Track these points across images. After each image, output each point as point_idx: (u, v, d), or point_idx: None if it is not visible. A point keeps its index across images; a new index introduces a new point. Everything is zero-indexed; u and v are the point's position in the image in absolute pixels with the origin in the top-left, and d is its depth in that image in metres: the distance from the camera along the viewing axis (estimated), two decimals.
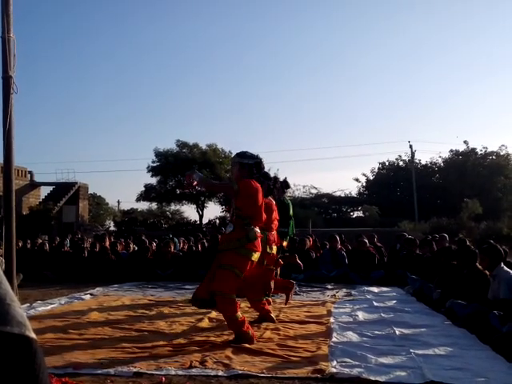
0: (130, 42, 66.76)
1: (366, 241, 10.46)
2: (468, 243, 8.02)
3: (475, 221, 27.39)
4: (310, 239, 11.04)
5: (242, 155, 4.76)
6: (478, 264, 5.72)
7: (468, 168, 35.75)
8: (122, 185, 73.97)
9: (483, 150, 37.88)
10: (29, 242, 12.42)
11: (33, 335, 1.02)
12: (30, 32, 57.22)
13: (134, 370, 3.59)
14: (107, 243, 11.84)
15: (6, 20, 5.62)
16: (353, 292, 8.11)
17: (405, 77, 64.28)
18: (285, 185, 6.86)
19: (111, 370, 3.58)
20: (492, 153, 37.75)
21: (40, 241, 12.88)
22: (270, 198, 5.72)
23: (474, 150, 38.04)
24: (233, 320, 4.40)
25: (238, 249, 4.48)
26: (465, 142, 38.39)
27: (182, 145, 32.85)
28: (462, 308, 5.38)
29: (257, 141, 59.90)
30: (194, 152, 32.27)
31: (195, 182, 4.55)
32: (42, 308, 6.52)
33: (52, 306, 6.76)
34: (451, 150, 38.82)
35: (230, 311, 4.37)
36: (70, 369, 3.61)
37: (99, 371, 3.58)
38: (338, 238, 10.64)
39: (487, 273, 5.48)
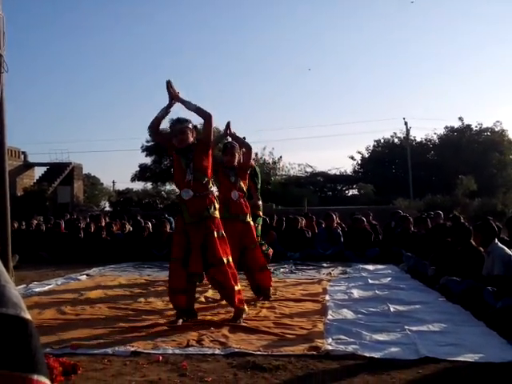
0: (124, 19, 65.86)
1: (364, 219, 10.49)
2: (462, 220, 8.05)
3: (470, 197, 27.50)
4: (303, 218, 11.04)
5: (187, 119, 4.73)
6: (472, 241, 5.75)
7: (463, 144, 35.74)
8: (117, 165, 73.82)
9: (478, 127, 37.87)
10: (24, 223, 12.39)
11: (28, 316, 1.02)
12: (20, 8, 56.35)
13: (132, 349, 3.61)
14: (103, 223, 11.84)
15: None
16: (348, 270, 8.16)
17: (399, 53, 63.88)
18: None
19: (108, 350, 3.60)
20: (487, 129, 37.74)
21: (35, 222, 12.85)
22: None
23: (468, 126, 38.00)
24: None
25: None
26: (460, 118, 38.36)
27: None
28: (456, 284, 5.43)
29: (251, 119, 59.67)
30: None
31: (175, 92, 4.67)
32: (38, 289, 6.53)
33: (49, 286, 6.78)
34: (446, 127, 38.81)
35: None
36: (67, 349, 3.63)
37: (96, 351, 3.60)
38: (335, 217, 10.67)
39: (481, 249, 5.52)
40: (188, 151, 4.57)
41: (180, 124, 4.60)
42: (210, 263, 4.48)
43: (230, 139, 6.06)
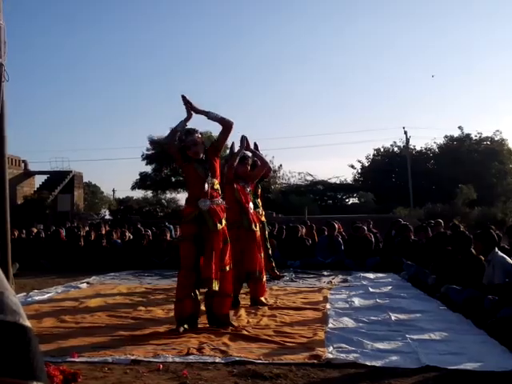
0: (124, 28, 66.23)
1: (365, 227, 10.48)
2: (462, 228, 8.05)
3: (470, 206, 27.53)
4: (304, 227, 11.04)
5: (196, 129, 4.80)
6: (472, 249, 5.74)
7: (462, 154, 35.78)
8: (117, 173, 73.69)
9: (478, 136, 37.95)
10: (24, 231, 12.39)
11: (27, 323, 1.02)
12: (22, 18, 56.64)
13: (132, 357, 3.59)
14: (103, 232, 11.84)
15: None
16: (349, 278, 8.14)
17: (399, 62, 64.09)
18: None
19: (108, 358, 3.59)
20: (486, 138, 37.81)
21: (35, 230, 12.84)
22: None
23: (468, 135, 38.07)
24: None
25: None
26: (459, 127, 38.44)
27: None
28: (457, 293, 5.42)
29: (252, 127, 59.70)
30: None
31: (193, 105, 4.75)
32: (38, 297, 6.52)
33: (49, 294, 6.76)
34: (446, 136, 38.87)
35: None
36: (67, 357, 3.61)
37: (97, 359, 3.58)
38: (337, 226, 10.66)
39: (482, 258, 5.51)
40: (204, 161, 4.65)
41: (191, 135, 4.63)
42: (220, 268, 4.59)
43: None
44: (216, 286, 4.51)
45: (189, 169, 4.66)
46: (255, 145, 6.35)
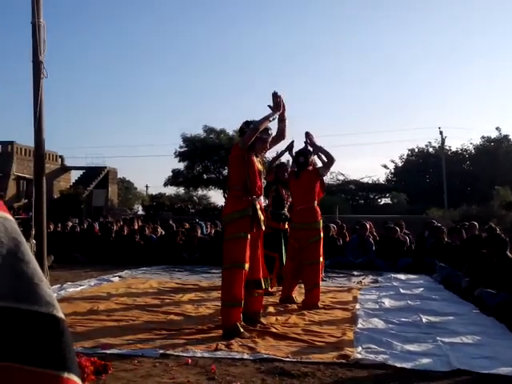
0: (159, 29, 66.89)
1: (398, 229, 10.34)
2: (498, 231, 7.86)
3: (506, 209, 26.81)
4: (335, 226, 10.96)
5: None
6: (508, 252, 5.61)
7: (500, 155, 34.96)
8: (151, 170, 74.74)
9: None
10: (59, 225, 12.67)
11: (61, 315, 1.04)
12: (61, 16, 57.84)
13: (161, 351, 3.64)
14: (136, 227, 12.01)
15: (35, 5, 5.67)
16: (379, 279, 8.05)
17: (436, 61, 62.93)
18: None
19: (138, 351, 3.65)
20: None
21: (70, 224, 13.12)
22: None
23: (506, 136, 37.19)
24: None
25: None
26: (497, 128, 37.58)
27: (209, 130, 32.91)
28: (491, 297, 5.30)
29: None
30: (221, 138, 32.30)
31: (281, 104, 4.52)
32: (72, 289, 6.66)
33: (82, 287, 6.91)
34: (483, 137, 38.08)
35: None
36: (98, 349, 3.69)
37: (127, 352, 3.65)
38: (368, 226, 10.54)
39: None
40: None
41: (267, 134, 4.55)
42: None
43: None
44: (266, 285, 4.62)
45: (251, 159, 4.43)
46: (307, 134, 6.03)
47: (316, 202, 5.73)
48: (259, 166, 4.50)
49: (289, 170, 6.13)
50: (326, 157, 5.82)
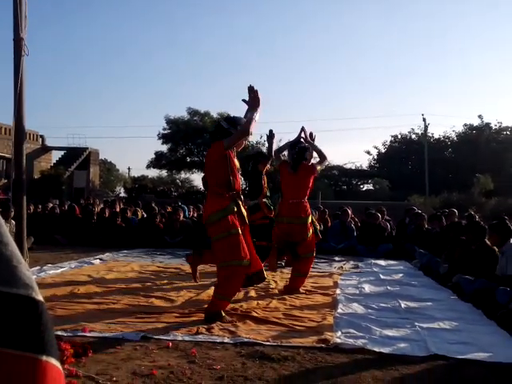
0: (144, 10, 65.90)
1: (379, 215, 10.42)
2: (477, 219, 7.97)
3: (486, 196, 27.22)
4: (317, 211, 11.00)
5: None
6: (487, 240, 5.69)
7: (481, 143, 35.36)
8: (133, 152, 74.24)
9: (498, 125, 37.42)
10: (40, 206, 12.53)
11: (39, 297, 1.02)
12: None
13: (142, 334, 3.64)
14: (117, 209, 11.93)
15: None
16: (360, 264, 8.13)
17: (420, 47, 63.14)
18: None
19: (119, 334, 3.64)
20: (506, 128, 37.30)
21: (51, 205, 12.98)
22: None
23: (488, 124, 37.58)
24: None
25: None
26: (479, 116, 37.95)
27: (194, 113, 32.70)
28: (469, 283, 5.38)
29: (266, 111, 59.41)
30: (205, 120, 32.12)
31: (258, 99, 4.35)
32: (52, 271, 6.62)
33: (62, 269, 6.86)
34: (465, 124, 38.43)
35: None
36: (78, 331, 3.68)
37: (107, 334, 3.64)
38: (350, 212, 10.60)
39: (496, 249, 5.46)
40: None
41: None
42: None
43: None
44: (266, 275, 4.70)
45: (232, 158, 4.37)
46: (311, 134, 6.10)
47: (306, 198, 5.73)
48: (237, 162, 4.42)
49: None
50: (320, 155, 5.94)
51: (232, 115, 4.65)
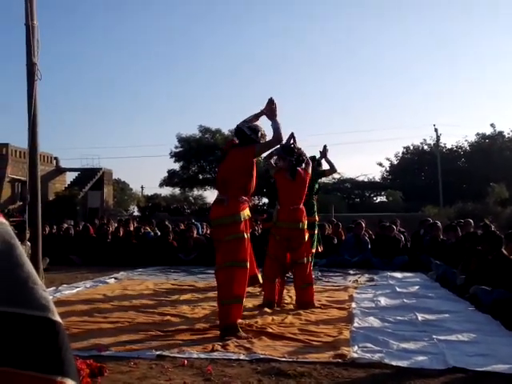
0: (153, 28, 66.84)
1: (394, 227, 10.36)
2: (493, 228, 7.89)
3: (502, 206, 26.89)
4: (330, 225, 10.98)
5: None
6: (503, 249, 5.63)
7: (495, 152, 35.04)
8: (146, 170, 74.63)
9: (510, 134, 37.09)
10: (55, 227, 12.63)
11: (56, 318, 1.03)
12: (54, 18, 57.65)
13: (157, 352, 3.64)
14: (131, 228, 11.99)
15: (29, 7, 5.65)
16: (375, 277, 8.06)
17: (430, 58, 63.09)
18: None
19: (134, 353, 3.64)
20: None
21: (65, 226, 13.08)
22: None
23: (501, 133, 37.27)
24: None
25: None
26: (491, 125, 37.68)
27: (205, 130, 32.91)
28: (486, 294, 5.32)
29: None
30: (217, 137, 32.30)
31: (274, 109, 4.58)
32: (67, 291, 6.65)
33: (77, 289, 6.89)
34: (477, 134, 38.14)
35: None
36: (94, 351, 3.67)
37: (122, 354, 3.64)
38: (363, 225, 10.56)
39: None
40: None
41: None
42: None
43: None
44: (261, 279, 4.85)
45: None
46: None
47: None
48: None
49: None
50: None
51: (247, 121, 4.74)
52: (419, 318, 4.81)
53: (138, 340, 4.03)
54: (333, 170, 6.99)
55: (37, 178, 5.87)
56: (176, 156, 32.80)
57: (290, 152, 5.78)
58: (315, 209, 6.90)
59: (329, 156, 6.76)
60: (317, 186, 7.00)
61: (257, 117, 4.72)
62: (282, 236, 5.66)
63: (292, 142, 5.98)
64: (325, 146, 6.78)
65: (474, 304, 5.45)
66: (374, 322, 4.68)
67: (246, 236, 4.36)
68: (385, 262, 9.54)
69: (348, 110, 65.80)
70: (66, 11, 64.93)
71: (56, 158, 34.40)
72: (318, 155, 6.85)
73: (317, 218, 6.91)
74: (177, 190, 37.76)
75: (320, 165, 7.13)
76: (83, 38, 67.03)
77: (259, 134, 4.51)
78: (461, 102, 62.49)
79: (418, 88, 63.63)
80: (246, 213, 4.43)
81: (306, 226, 5.73)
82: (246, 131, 4.52)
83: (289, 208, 5.65)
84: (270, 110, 4.58)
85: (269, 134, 4.57)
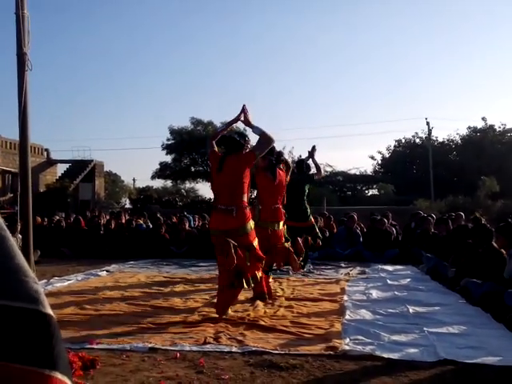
0: (145, 21, 66.33)
1: (385, 220, 10.39)
2: (484, 221, 7.94)
3: (492, 199, 27.05)
4: (322, 218, 10.99)
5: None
6: (493, 243, 5.66)
7: (486, 145, 35.16)
8: (138, 163, 74.31)
9: (501, 127, 37.26)
10: (46, 219, 12.55)
11: (48, 310, 1.02)
12: (45, 7, 57.04)
13: (149, 345, 3.64)
14: (123, 220, 11.95)
15: None
16: (367, 270, 8.10)
17: (421, 51, 63.20)
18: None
19: (127, 346, 3.64)
20: (511, 129, 37.07)
21: (57, 218, 13.01)
22: None
23: (492, 126, 37.40)
24: None
25: None
26: (483, 118, 37.78)
27: (197, 122, 32.75)
28: (476, 287, 5.35)
29: (271, 119, 59.56)
30: (209, 129, 32.14)
31: (248, 116, 4.82)
32: (59, 284, 6.63)
33: (69, 282, 6.87)
34: (469, 127, 38.23)
35: None
36: (86, 344, 3.67)
37: (115, 346, 3.64)
38: (356, 218, 10.58)
39: (503, 251, 5.43)
40: None
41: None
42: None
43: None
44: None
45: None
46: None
47: None
48: None
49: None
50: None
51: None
52: (410, 311, 4.84)
53: (130, 332, 4.03)
54: (319, 172, 7.18)
55: (27, 170, 5.84)
56: (168, 148, 32.62)
57: (269, 151, 5.77)
58: (309, 213, 6.96)
59: (321, 150, 6.87)
60: (307, 190, 7.04)
61: (229, 125, 5.07)
62: (263, 235, 5.56)
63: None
64: (313, 147, 6.83)
65: (465, 297, 5.49)
66: (365, 314, 4.71)
67: (255, 244, 4.67)
68: (376, 255, 9.58)
69: (340, 103, 65.86)
70: (58, 3, 64.27)
71: (47, 150, 34.13)
72: (305, 155, 6.95)
73: (313, 222, 7.02)
74: (169, 183, 37.62)
75: (309, 167, 7.17)
76: (76, 29, 66.48)
77: (246, 139, 4.91)
78: (452, 96, 62.69)
79: (410, 81, 63.79)
80: (252, 222, 4.71)
81: (281, 226, 5.86)
82: (236, 137, 4.81)
83: (270, 208, 5.72)
84: (244, 117, 4.83)
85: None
